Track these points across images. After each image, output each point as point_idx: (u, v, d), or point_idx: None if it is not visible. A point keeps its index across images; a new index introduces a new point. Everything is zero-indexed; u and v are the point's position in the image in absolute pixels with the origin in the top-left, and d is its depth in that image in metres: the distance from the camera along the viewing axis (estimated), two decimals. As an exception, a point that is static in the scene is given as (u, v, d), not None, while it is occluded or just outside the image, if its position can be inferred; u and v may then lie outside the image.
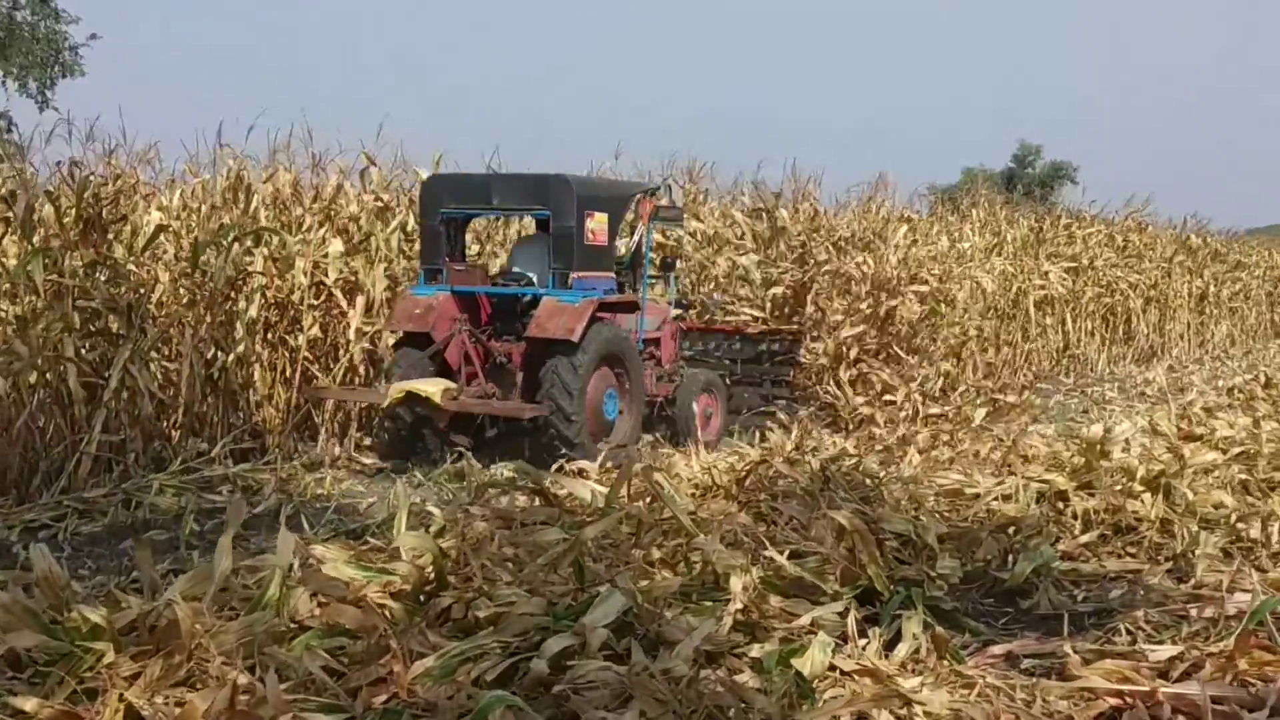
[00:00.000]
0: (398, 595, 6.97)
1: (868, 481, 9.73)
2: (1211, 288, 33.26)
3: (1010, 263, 24.87)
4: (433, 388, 13.35)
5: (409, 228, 16.16)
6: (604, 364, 13.98)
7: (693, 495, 9.80)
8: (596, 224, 14.02)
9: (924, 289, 18.12)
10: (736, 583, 7.08)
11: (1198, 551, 8.83)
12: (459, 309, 14.25)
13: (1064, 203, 39.05)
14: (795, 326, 17.63)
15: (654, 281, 16.25)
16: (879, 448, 13.12)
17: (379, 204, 16.29)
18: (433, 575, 7.08)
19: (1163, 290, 30.35)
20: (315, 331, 14.86)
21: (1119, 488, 9.87)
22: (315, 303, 14.87)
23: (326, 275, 14.86)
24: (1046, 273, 25.48)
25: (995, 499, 9.85)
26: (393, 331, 14.49)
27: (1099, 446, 10.56)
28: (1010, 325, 24.12)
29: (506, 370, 14.25)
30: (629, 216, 15.65)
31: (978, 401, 16.24)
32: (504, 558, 7.58)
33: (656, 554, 7.82)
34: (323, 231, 15.42)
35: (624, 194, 15.02)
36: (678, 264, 17.14)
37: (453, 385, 13.55)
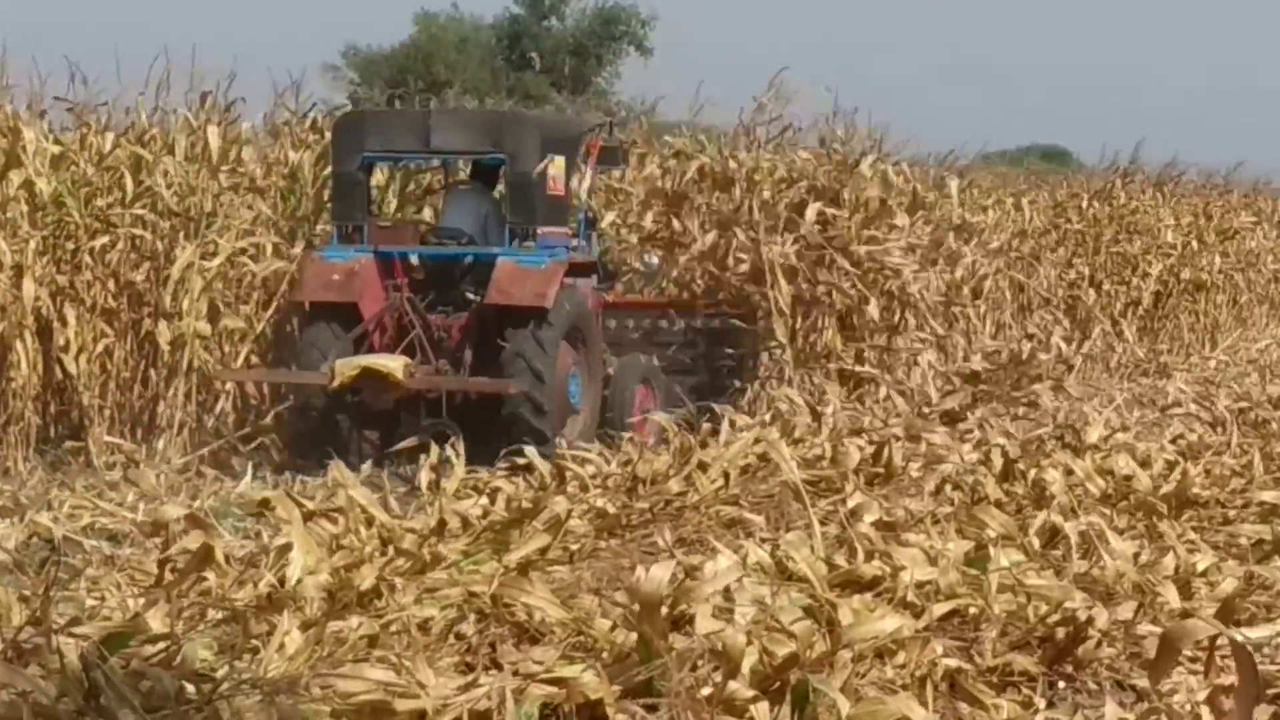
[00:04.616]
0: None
1: (190, 691, 5.41)
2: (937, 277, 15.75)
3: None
4: (393, 363, 11.86)
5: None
6: (568, 339, 12.52)
7: None
8: (557, 170, 12.71)
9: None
10: None
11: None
12: (384, 275, 12.52)
13: (620, 95, 19.62)
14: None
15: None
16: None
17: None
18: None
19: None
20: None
21: (707, 692, 5.36)
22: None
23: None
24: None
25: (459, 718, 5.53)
26: (297, 304, 12.87)
27: (667, 606, 5.74)
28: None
29: (443, 349, 12.53)
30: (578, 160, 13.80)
31: None
32: None
33: None
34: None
35: (576, 133, 13.67)
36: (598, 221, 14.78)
37: (411, 361, 12.00)
